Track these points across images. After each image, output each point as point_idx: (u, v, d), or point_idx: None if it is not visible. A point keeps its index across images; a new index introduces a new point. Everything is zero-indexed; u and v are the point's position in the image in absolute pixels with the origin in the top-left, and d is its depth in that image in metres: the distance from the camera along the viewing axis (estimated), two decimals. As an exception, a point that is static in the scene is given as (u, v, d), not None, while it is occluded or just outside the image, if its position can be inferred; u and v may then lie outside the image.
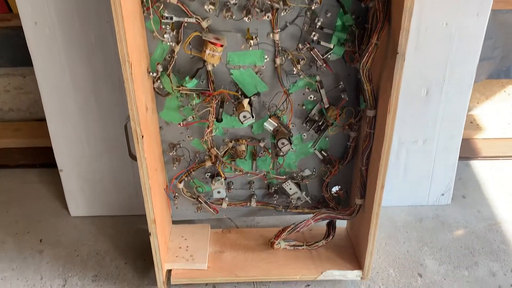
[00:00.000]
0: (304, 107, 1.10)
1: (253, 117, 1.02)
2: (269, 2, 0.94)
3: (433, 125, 1.31)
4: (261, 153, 1.14)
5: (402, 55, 0.86)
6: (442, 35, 1.18)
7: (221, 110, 1.05)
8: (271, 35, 1.00)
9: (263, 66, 1.04)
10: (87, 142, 1.27)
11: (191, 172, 1.15)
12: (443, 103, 1.27)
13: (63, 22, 1.07)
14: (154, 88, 1.03)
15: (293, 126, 1.11)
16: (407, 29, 0.83)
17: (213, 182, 1.13)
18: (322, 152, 1.15)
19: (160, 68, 0.99)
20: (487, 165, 1.60)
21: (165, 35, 0.95)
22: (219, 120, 1.05)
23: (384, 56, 0.93)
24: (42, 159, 1.54)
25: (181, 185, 1.16)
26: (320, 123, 1.09)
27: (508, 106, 1.64)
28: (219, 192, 1.13)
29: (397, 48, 0.86)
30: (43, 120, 1.31)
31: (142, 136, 0.92)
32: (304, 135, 1.13)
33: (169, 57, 1.01)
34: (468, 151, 1.59)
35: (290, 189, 1.16)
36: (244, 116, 1.01)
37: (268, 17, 0.96)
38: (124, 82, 0.85)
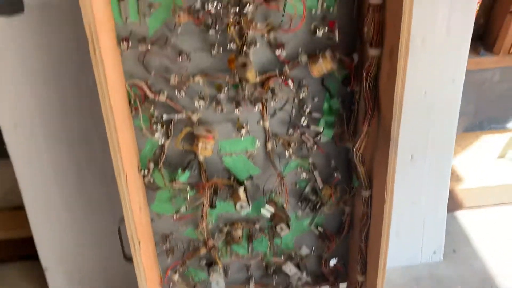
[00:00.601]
0: (297, 186, 1.09)
1: (249, 205, 1.00)
2: (258, 94, 0.95)
3: (420, 187, 1.34)
4: (257, 234, 1.12)
5: (395, 141, 0.88)
6: (422, 103, 1.22)
7: (214, 198, 1.03)
8: (261, 122, 1.00)
9: (255, 151, 1.03)
10: (71, 235, 1.21)
11: (185, 261, 1.11)
12: (428, 166, 1.31)
13: (45, 122, 1.03)
14: (144, 183, 1.00)
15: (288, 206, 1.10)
16: (398, 118, 0.85)
17: (211, 273, 1.09)
18: (318, 228, 1.14)
19: (151, 166, 0.97)
20: (470, 215, 1.63)
21: (156, 134, 0.94)
22: (213, 207, 1.03)
23: (375, 139, 0.94)
24: (22, 251, 1.45)
25: (176, 276, 1.12)
26: (315, 202, 1.09)
27: (484, 156, 1.70)
28: (217, 283, 1.09)
29: (390, 135, 0.87)
30: (21, 208, 1.25)
31: (139, 242, 0.88)
32: (299, 213, 1.12)
33: (159, 151, 0.99)
34: (451, 203, 1.62)
35: (290, 270, 1.14)
36: (241, 206, 0.99)
37: (258, 107, 0.96)
38: (119, 191, 0.82)
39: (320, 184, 1.05)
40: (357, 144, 0.93)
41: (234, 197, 1.00)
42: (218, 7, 0.85)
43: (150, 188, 1.01)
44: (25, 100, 1.01)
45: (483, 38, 1.42)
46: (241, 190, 1.00)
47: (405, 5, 0.76)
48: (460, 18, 1.12)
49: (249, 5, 0.85)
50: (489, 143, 1.67)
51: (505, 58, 1.40)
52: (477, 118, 1.54)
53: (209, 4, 0.84)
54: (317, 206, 1.08)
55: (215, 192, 1.02)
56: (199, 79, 0.92)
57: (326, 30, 0.91)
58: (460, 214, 1.63)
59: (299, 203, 1.10)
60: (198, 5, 0.84)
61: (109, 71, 0.76)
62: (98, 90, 0.74)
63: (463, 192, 1.64)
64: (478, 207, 1.64)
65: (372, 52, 0.86)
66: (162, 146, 0.97)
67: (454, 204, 1.63)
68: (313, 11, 0.91)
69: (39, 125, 1.04)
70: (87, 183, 1.14)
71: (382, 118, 0.90)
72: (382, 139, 0.90)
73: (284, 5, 0.85)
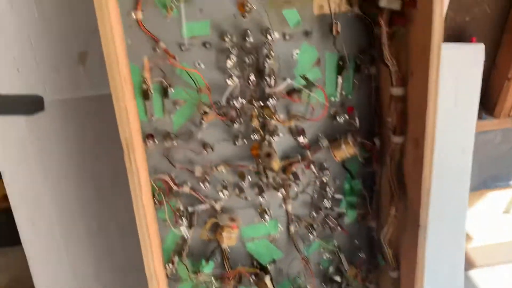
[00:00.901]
0: (320, 266, 1.07)
1: (276, 294, 0.98)
2: (281, 180, 0.95)
3: (437, 251, 1.33)
4: (281, 317, 1.09)
5: (424, 227, 0.87)
6: (436, 172, 1.23)
7: (238, 287, 1.00)
8: (283, 205, 0.99)
9: (277, 235, 1.02)
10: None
11: None
12: (444, 230, 1.31)
13: (63, 218, 1.01)
14: (167, 274, 0.97)
15: (313, 288, 1.08)
16: (427, 205, 0.85)
17: None
18: (342, 305, 1.12)
19: (176, 259, 0.94)
20: (482, 274, 1.62)
21: (181, 228, 0.92)
22: (237, 295, 1.00)
23: (403, 222, 0.93)
24: None
25: None
26: (340, 283, 1.06)
27: (490, 212, 1.72)
28: None
29: (419, 221, 0.87)
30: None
31: None
32: (323, 292, 1.10)
33: (181, 242, 0.96)
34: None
35: None
36: (269, 296, 0.97)
37: (280, 192, 0.96)
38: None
39: (346, 266, 1.04)
40: (385, 229, 0.92)
41: (260, 286, 0.98)
42: (243, 102, 0.86)
43: (173, 279, 0.98)
44: (43, 198, 0.98)
45: (483, 102, 1.46)
46: (267, 279, 0.98)
47: (429, 98, 0.78)
48: (466, 92, 1.16)
49: (272, 99, 0.87)
50: (494, 199, 1.69)
51: (506, 121, 1.44)
52: (482, 177, 1.57)
53: (234, 100, 0.85)
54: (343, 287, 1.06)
55: (240, 280, 1.00)
56: (222, 168, 0.92)
57: (346, 116, 0.93)
58: (472, 273, 1.62)
59: (323, 284, 1.08)
60: (223, 101, 0.85)
61: (141, 174, 0.75)
62: (131, 196, 0.73)
63: (474, 251, 1.64)
64: (488, 265, 1.63)
65: (396, 139, 0.87)
66: (186, 237, 0.96)
67: (466, 263, 1.62)
68: (332, 99, 0.93)
69: (56, 222, 1.01)
70: (105, 275, 1.10)
71: (409, 202, 0.90)
72: (410, 224, 0.90)
73: (308, 97, 0.87)
